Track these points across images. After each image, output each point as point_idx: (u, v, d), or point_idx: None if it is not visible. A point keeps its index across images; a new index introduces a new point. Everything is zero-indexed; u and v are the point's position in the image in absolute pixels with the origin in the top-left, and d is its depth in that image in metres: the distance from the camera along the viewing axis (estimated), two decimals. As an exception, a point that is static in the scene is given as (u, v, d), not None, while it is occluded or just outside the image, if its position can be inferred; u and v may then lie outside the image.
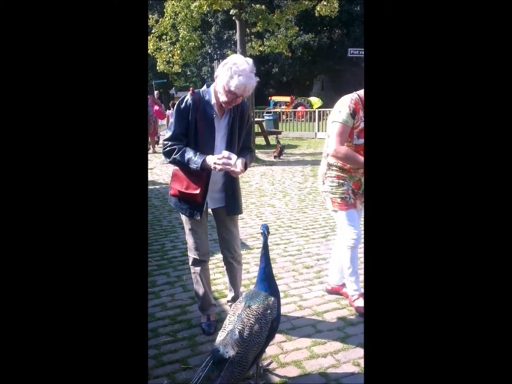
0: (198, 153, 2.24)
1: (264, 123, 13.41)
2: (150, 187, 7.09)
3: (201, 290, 2.57)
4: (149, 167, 9.02)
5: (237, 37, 9.83)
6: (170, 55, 10.86)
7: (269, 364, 2.23)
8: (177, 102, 2.39)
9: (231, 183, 2.44)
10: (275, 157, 10.11)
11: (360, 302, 2.72)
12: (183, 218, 2.50)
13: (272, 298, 2.04)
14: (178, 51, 10.57)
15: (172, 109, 11.77)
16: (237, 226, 2.62)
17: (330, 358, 2.28)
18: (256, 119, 12.20)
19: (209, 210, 2.54)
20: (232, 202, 2.47)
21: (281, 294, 2.57)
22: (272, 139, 12.58)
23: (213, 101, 2.33)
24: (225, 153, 2.20)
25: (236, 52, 9.46)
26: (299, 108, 19.71)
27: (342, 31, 28.66)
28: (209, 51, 28.56)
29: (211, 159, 2.20)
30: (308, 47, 27.89)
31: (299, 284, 3.23)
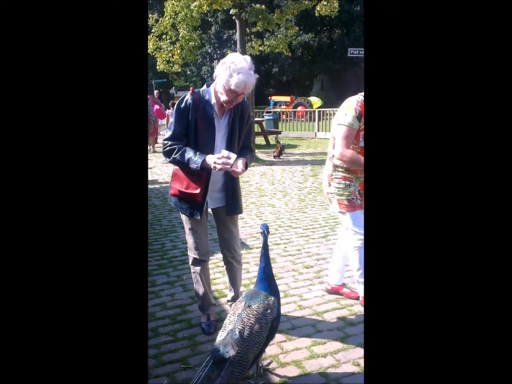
0: (198, 153, 2.24)
1: (264, 123, 13.41)
2: (150, 186, 7.09)
3: (201, 290, 2.57)
4: (149, 166, 9.02)
5: (237, 36, 9.83)
6: (170, 54, 10.86)
7: (269, 364, 2.23)
8: (177, 102, 2.39)
9: (231, 182, 2.44)
10: (274, 157, 10.11)
11: None
12: (183, 217, 2.50)
13: (272, 298, 2.04)
14: (178, 51, 10.56)
15: (171, 108, 11.78)
16: (237, 225, 2.62)
17: (330, 358, 2.28)
18: (256, 119, 12.20)
19: (209, 210, 2.54)
20: (232, 201, 2.47)
21: (281, 294, 2.57)
22: (272, 139, 12.58)
23: (213, 100, 2.32)
24: (225, 152, 2.20)
25: (236, 52, 9.44)
26: (299, 108, 19.70)
27: (342, 31, 28.66)
28: (209, 51, 28.56)
29: (211, 159, 2.20)
30: (308, 47, 27.89)
31: (299, 284, 3.23)
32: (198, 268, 2.54)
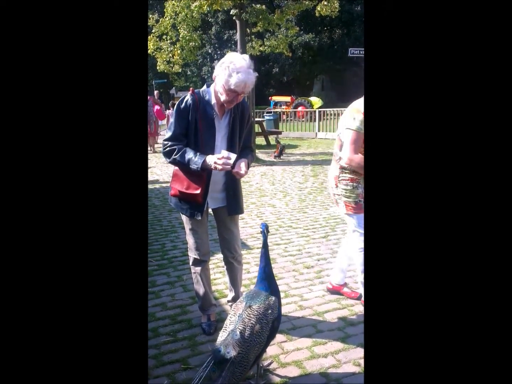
0: (198, 154, 2.24)
1: (264, 123, 13.41)
2: (150, 186, 7.09)
3: (201, 290, 2.57)
4: (149, 166, 9.03)
5: (237, 37, 9.83)
6: (170, 55, 10.86)
7: (269, 364, 2.23)
8: (177, 102, 2.38)
9: (232, 183, 2.44)
10: (275, 157, 10.10)
11: None
12: (184, 218, 2.50)
13: (273, 298, 2.03)
14: (179, 51, 10.56)
15: (171, 109, 11.79)
16: (238, 226, 2.62)
17: (330, 358, 2.28)
18: (256, 119, 12.21)
19: (210, 210, 2.54)
20: (233, 201, 2.47)
21: (282, 294, 2.57)
22: (272, 139, 12.58)
23: (213, 101, 2.32)
24: (224, 153, 2.20)
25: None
26: (300, 108, 19.73)
27: (343, 31, 28.67)
28: (210, 51, 28.57)
29: (211, 159, 2.20)
30: (308, 47, 27.89)
31: (300, 284, 3.23)
32: (198, 269, 2.54)
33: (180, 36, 10.22)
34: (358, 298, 2.92)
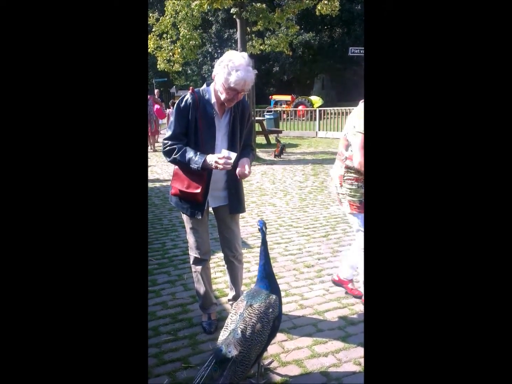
0: (198, 153, 2.24)
1: (264, 122, 13.41)
2: (150, 185, 7.10)
3: (202, 289, 2.57)
4: (149, 165, 9.03)
5: (237, 35, 9.83)
6: (170, 53, 10.86)
7: (270, 363, 2.23)
8: (176, 101, 2.38)
9: (233, 181, 2.44)
10: (275, 156, 10.09)
11: None
12: (184, 217, 2.50)
13: (274, 297, 2.03)
14: (179, 50, 10.56)
15: (171, 108, 11.79)
16: (238, 225, 2.62)
17: (331, 357, 2.28)
18: (256, 118, 12.20)
19: (210, 209, 2.54)
20: (235, 200, 2.47)
21: (282, 293, 2.56)
22: (272, 138, 12.58)
23: (213, 100, 2.32)
24: (225, 152, 2.19)
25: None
26: (300, 107, 19.70)
27: (343, 30, 28.64)
28: (210, 50, 28.55)
29: (211, 159, 2.20)
30: (308, 46, 27.86)
31: (300, 283, 3.23)
32: (199, 267, 2.54)
33: (181, 34, 10.22)
34: (360, 297, 2.92)
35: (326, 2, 9.94)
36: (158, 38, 10.85)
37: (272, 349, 2.33)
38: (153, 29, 10.69)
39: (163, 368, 2.23)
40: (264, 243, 2.14)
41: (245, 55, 2.21)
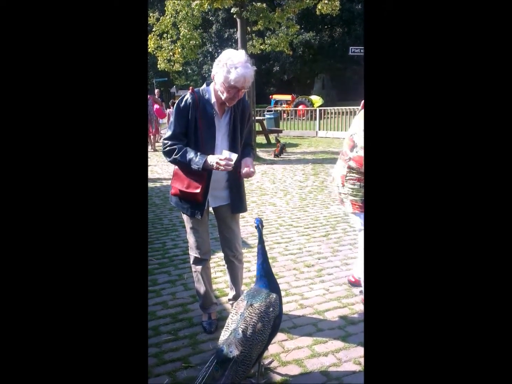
0: (199, 154, 2.24)
1: (265, 122, 13.41)
2: (151, 185, 7.10)
3: (202, 289, 2.58)
4: (150, 165, 9.03)
5: (238, 35, 9.82)
6: (171, 53, 10.85)
7: (270, 362, 2.23)
8: (176, 101, 2.38)
9: (235, 181, 2.44)
10: (275, 156, 10.08)
11: None
12: (184, 217, 2.50)
13: (274, 295, 2.04)
14: (179, 50, 10.56)
15: (171, 107, 11.80)
16: (239, 224, 2.62)
17: (331, 357, 2.28)
18: (257, 118, 12.19)
19: (210, 209, 2.54)
20: (237, 200, 2.47)
21: (283, 293, 2.57)
22: (273, 137, 12.58)
23: (213, 100, 2.32)
24: (226, 153, 2.20)
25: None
26: (300, 107, 19.71)
27: (343, 29, 28.64)
28: (210, 50, 28.56)
29: (212, 159, 2.20)
30: (309, 46, 27.87)
31: (300, 283, 3.23)
32: (199, 267, 2.55)
33: (181, 34, 10.22)
34: None
35: (326, 1, 9.92)
36: (158, 38, 10.84)
37: (272, 348, 2.33)
38: (154, 29, 10.69)
39: (163, 367, 2.23)
40: (261, 241, 2.14)
41: (242, 52, 2.21)
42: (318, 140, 13.74)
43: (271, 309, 1.97)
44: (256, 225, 2.16)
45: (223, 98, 2.24)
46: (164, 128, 12.43)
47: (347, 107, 13.85)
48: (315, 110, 15.78)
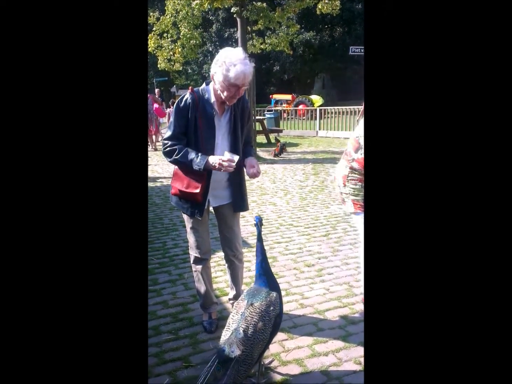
0: (200, 154, 2.23)
1: (265, 121, 13.41)
2: (151, 185, 7.10)
3: (202, 288, 2.58)
4: (150, 164, 9.03)
5: (238, 35, 9.83)
6: (171, 53, 10.86)
7: (270, 362, 2.23)
8: (176, 101, 2.38)
9: (236, 180, 2.44)
10: (275, 155, 10.07)
11: None
12: (185, 216, 2.50)
13: (274, 294, 2.04)
14: (179, 49, 10.57)
15: (171, 107, 11.81)
16: (239, 224, 2.62)
17: (331, 357, 2.28)
18: (257, 117, 12.20)
19: (211, 208, 2.54)
20: (239, 198, 2.47)
21: (283, 293, 2.57)
22: (273, 137, 12.58)
23: (213, 99, 2.31)
24: (227, 154, 2.20)
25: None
26: (300, 106, 19.70)
27: (344, 29, 28.64)
28: (210, 49, 28.54)
29: (214, 160, 2.20)
30: (309, 45, 27.87)
31: (301, 283, 3.23)
32: (199, 267, 2.55)
33: (181, 34, 10.23)
34: None
35: (326, 1, 9.93)
36: (158, 37, 10.85)
37: (272, 348, 2.33)
38: (154, 28, 10.70)
39: (164, 367, 2.23)
40: (259, 239, 2.14)
41: (240, 49, 2.20)
42: (318, 140, 13.74)
43: (272, 308, 1.98)
44: (255, 222, 2.16)
45: (223, 97, 2.24)
46: (165, 128, 12.43)
47: (347, 107, 13.86)
48: (315, 109, 15.78)
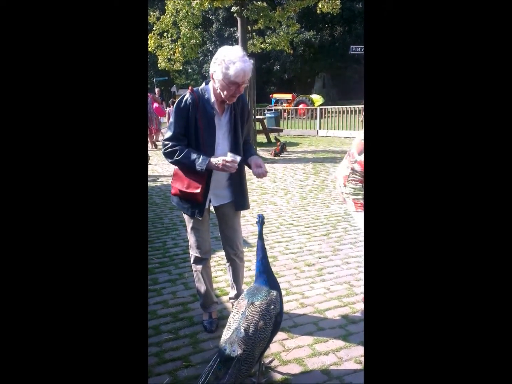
0: (201, 155, 2.23)
1: (265, 121, 13.41)
2: (151, 184, 7.10)
3: (202, 288, 2.58)
4: (150, 164, 9.03)
5: (238, 34, 9.84)
6: (171, 52, 10.87)
7: (271, 361, 2.23)
8: (176, 101, 2.38)
9: (237, 178, 2.44)
10: (274, 155, 10.05)
11: None
12: (185, 216, 2.50)
13: (275, 293, 2.04)
14: (179, 49, 10.58)
15: (171, 106, 11.82)
16: (240, 223, 2.62)
17: (332, 356, 2.28)
18: (257, 117, 12.19)
19: (211, 208, 2.54)
20: (240, 197, 2.47)
21: (283, 292, 2.57)
22: (273, 136, 12.58)
23: (213, 99, 2.31)
24: (230, 155, 2.20)
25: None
26: (301, 106, 19.69)
27: (344, 28, 28.64)
28: (211, 49, 28.55)
29: (218, 160, 2.20)
30: (309, 45, 27.87)
31: (301, 282, 3.23)
32: (199, 267, 2.55)
33: (181, 33, 10.24)
34: None
35: (327, 0, 9.93)
36: (158, 37, 10.86)
37: (273, 347, 2.33)
38: (154, 28, 10.71)
39: (164, 367, 2.23)
40: (260, 237, 2.14)
41: (238, 47, 2.20)
42: (318, 139, 13.73)
43: (272, 306, 1.98)
44: (257, 220, 2.16)
45: (223, 95, 2.23)
46: (165, 128, 12.43)
47: (347, 106, 13.86)
48: (316, 109, 15.77)
